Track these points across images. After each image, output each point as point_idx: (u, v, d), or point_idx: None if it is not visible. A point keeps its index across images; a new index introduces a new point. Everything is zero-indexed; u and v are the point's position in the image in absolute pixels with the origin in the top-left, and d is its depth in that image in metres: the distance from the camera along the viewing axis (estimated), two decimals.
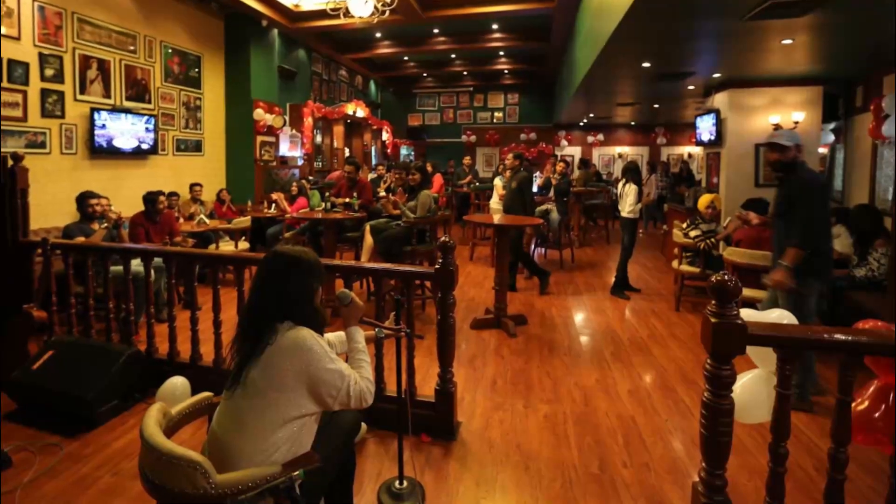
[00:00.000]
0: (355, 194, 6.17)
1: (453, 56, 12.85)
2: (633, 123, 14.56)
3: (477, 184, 11.23)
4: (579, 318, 5.32)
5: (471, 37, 10.53)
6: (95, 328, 3.82)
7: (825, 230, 3.34)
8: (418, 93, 15.83)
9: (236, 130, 8.43)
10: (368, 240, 5.43)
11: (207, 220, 6.44)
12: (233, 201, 7.54)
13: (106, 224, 4.75)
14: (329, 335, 2.10)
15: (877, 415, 1.90)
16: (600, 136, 14.98)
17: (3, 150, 4.35)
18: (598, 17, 5.83)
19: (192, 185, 7.16)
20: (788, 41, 5.03)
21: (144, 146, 6.68)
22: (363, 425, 2.80)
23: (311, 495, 1.74)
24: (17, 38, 5.20)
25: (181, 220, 6.41)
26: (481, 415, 3.24)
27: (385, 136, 13.45)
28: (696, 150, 12.98)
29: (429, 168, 7.83)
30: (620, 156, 14.97)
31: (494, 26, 10.11)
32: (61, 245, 3.87)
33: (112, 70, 6.32)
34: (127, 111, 6.42)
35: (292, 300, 1.78)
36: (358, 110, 11.25)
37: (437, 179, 9.48)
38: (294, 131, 9.42)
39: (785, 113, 7.11)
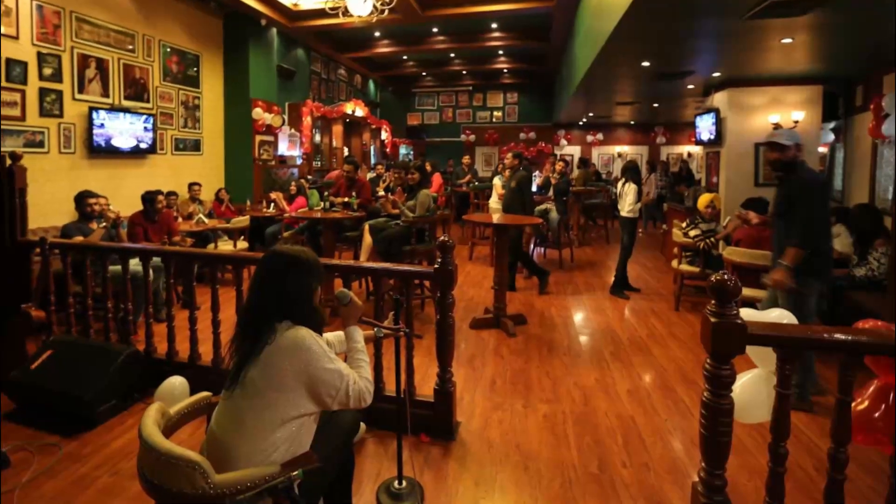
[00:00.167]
0: (354, 194, 6.16)
1: (452, 55, 12.85)
2: (632, 123, 14.56)
3: (476, 183, 11.23)
4: (579, 317, 5.32)
5: (470, 36, 10.53)
6: (94, 328, 3.81)
7: (825, 230, 3.33)
8: (417, 92, 15.83)
9: (235, 130, 8.42)
10: (367, 239, 5.42)
11: (206, 220, 6.43)
12: (231, 200, 7.53)
13: (104, 223, 4.74)
14: (328, 335, 2.10)
15: (877, 415, 1.89)
16: (600, 136, 14.97)
17: (1, 149, 4.34)
18: (597, 16, 5.83)
19: (190, 185, 7.15)
20: (788, 40, 5.03)
21: (143, 145, 6.67)
22: (362, 425, 2.80)
23: (310, 495, 1.74)
24: (16, 38, 5.19)
25: (180, 219, 6.41)
26: (480, 415, 3.23)
27: (384, 135, 13.44)
28: (696, 150, 12.97)
29: (428, 167, 7.83)
30: (620, 155, 14.97)
31: (494, 25, 10.10)
32: (60, 244, 3.86)
33: (110, 69, 6.31)
34: (125, 110, 6.41)
35: (291, 300, 1.78)
36: (357, 109, 11.24)
37: (437, 179, 9.47)
38: (293, 130, 9.41)
39: (785, 112, 7.11)
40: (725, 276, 1.73)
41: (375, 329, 2.24)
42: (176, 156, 7.43)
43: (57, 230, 5.00)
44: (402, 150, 14.61)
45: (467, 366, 3.97)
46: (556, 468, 2.67)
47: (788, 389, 1.77)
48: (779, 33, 4.82)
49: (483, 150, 15.56)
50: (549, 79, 13.87)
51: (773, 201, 3.53)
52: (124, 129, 6.37)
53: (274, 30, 8.91)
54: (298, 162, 9.59)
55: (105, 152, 6.19)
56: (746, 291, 4.02)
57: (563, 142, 15.12)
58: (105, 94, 6.24)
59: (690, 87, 7.90)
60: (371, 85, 14.45)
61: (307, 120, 9.43)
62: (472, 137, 15.41)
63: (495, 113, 15.53)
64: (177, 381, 3.16)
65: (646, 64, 6.34)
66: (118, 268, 3.74)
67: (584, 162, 12.89)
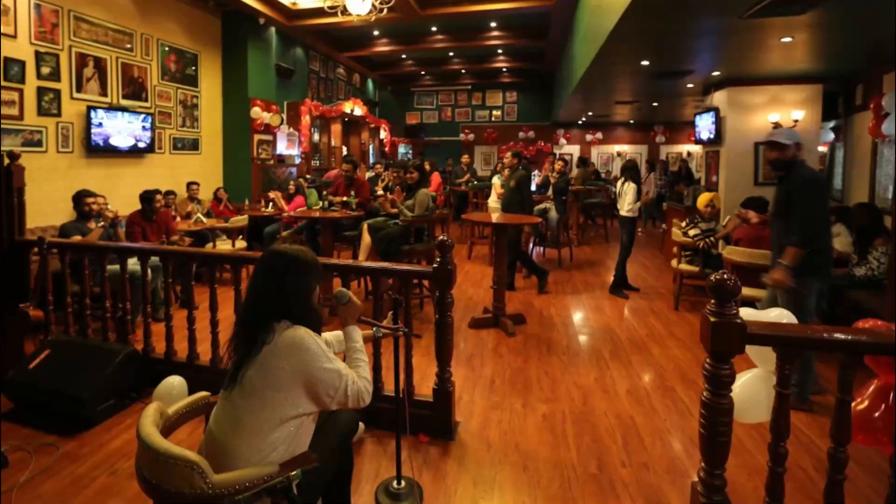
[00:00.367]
0: (353, 193, 6.15)
1: (451, 54, 12.83)
2: (631, 122, 14.55)
3: (475, 182, 11.22)
4: (578, 317, 5.31)
5: (469, 35, 10.51)
6: (92, 327, 3.81)
7: (825, 229, 3.33)
8: (416, 91, 15.80)
9: (233, 129, 8.41)
10: (366, 238, 5.41)
11: (204, 219, 6.43)
12: (230, 200, 7.53)
13: (102, 223, 4.73)
14: (327, 334, 2.09)
15: (877, 414, 1.89)
16: (599, 135, 14.96)
17: None
18: (596, 14, 5.82)
19: (189, 184, 7.14)
20: (788, 39, 5.03)
21: (141, 144, 6.66)
22: (361, 425, 2.79)
23: (309, 495, 1.73)
24: (14, 37, 5.18)
25: (178, 218, 6.40)
26: (479, 414, 3.23)
27: (383, 134, 13.43)
28: (696, 149, 12.96)
29: (427, 166, 7.81)
30: (619, 154, 14.96)
31: (492, 24, 10.08)
32: (58, 244, 3.86)
33: (108, 68, 6.29)
34: (123, 109, 6.40)
35: (290, 299, 1.78)
36: (356, 108, 11.22)
37: (435, 178, 9.46)
38: (291, 130, 9.39)
39: (784, 111, 7.10)
40: (725, 276, 1.73)
41: (374, 328, 2.24)
42: (174, 155, 7.42)
43: (55, 229, 4.99)
44: (401, 150, 14.61)
45: (466, 365, 3.96)
46: (555, 468, 2.66)
47: (788, 389, 1.77)
48: (778, 32, 4.81)
49: (482, 149, 15.56)
50: (549, 78, 13.86)
51: (773, 200, 3.53)
52: (122, 129, 6.36)
53: (272, 28, 8.89)
54: (297, 161, 9.58)
55: (103, 151, 6.18)
56: (746, 291, 4.03)
57: (563, 141, 15.11)
58: (103, 93, 6.23)
59: (690, 85, 7.90)
60: (370, 84, 14.43)
61: (306, 119, 9.42)
62: (471, 136, 15.40)
63: (494, 112, 15.52)
64: (175, 381, 3.16)
65: (645, 63, 6.33)
66: (116, 267, 3.73)
67: (584, 161, 12.88)
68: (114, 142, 6.26)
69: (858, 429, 1.86)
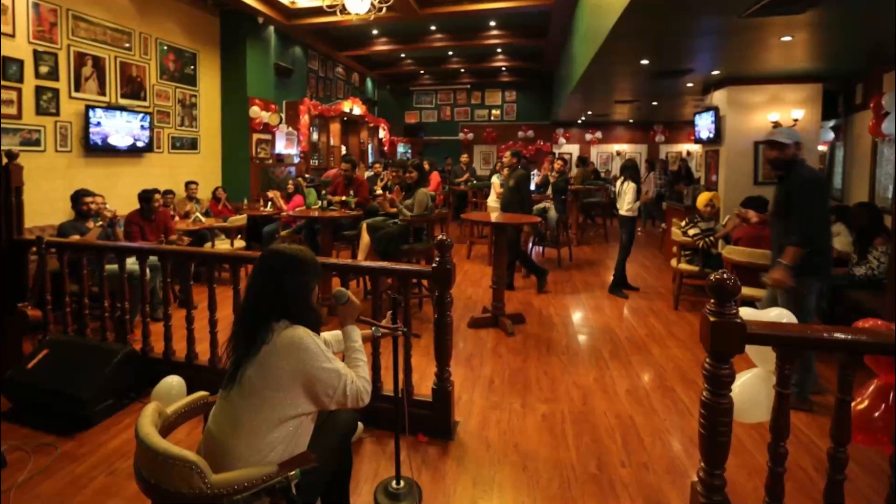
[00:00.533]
0: (352, 192, 6.15)
1: (450, 53, 12.82)
2: (631, 121, 14.55)
3: (474, 182, 11.20)
4: (577, 316, 5.31)
5: (468, 34, 10.50)
6: (90, 327, 3.80)
7: (825, 228, 3.33)
8: (415, 90, 15.79)
9: (232, 128, 8.40)
10: (365, 238, 5.41)
11: (203, 219, 6.42)
12: (229, 199, 7.51)
13: (101, 222, 4.72)
14: (325, 334, 2.09)
15: (877, 414, 1.89)
16: (598, 134, 14.96)
17: None
18: (596, 13, 5.81)
19: (187, 183, 7.13)
20: (788, 38, 5.02)
21: (140, 144, 6.65)
22: (360, 425, 2.79)
23: (308, 495, 1.73)
24: (12, 36, 5.17)
25: (177, 218, 6.39)
26: (479, 414, 3.22)
27: (382, 133, 13.42)
28: (695, 148, 12.96)
29: (426, 166, 7.80)
30: (619, 153, 14.96)
31: (492, 23, 10.07)
32: (56, 243, 3.85)
33: (107, 67, 6.28)
34: (122, 109, 6.39)
35: (289, 299, 1.77)
36: (354, 108, 11.21)
37: (435, 177, 9.46)
38: (290, 129, 9.38)
39: (784, 110, 7.10)
40: (725, 275, 1.73)
41: (373, 328, 2.23)
42: (173, 154, 7.41)
43: (53, 229, 4.98)
44: (400, 149, 14.60)
45: (465, 365, 3.96)
46: (554, 468, 2.66)
47: (788, 389, 1.77)
48: (778, 31, 4.81)
49: (481, 148, 15.55)
50: (548, 77, 13.85)
51: (773, 200, 3.52)
52: (121, 128, 6.35)
53: (271, 28, 8.88)
54: (296, 160, 9.57)
55: (101, 151, 6.17)
56: (746, 290, 4.03)
57: (562, 140, 15.11)
58: (101, 92, 6.22)
59: (689, 85, 7.89)
60: (369, 83, 14.42)
61: (304, 118, 9.41)
62: (471, 136, 15.40)
63: (493, 111, 15.51)
64: (174, 381, 3.16)
65: (644, 62, 6.33)
66: (115, 267, 3.72)
67: (583, 160, 12.87)
68: (112, 141, 6.24)
69: (858, 429, 1.86)
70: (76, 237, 4.43)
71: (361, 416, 2.31)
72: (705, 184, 8.26)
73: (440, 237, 2.84)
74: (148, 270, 3.65)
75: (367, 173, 9.68)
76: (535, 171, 9.29)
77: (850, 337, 1.72)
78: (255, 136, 8.47)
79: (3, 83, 5.04)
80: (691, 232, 5.47)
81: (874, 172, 6.21)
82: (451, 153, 14.24)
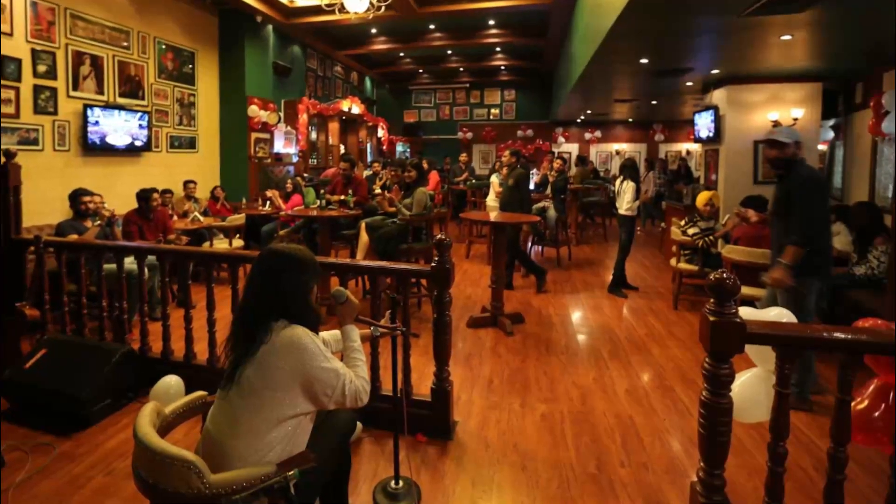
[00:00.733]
0: (351, 191, 6.14)
1: (449, 52, 12.80)
2: (630, 120, 14.54)
3: (473, 181, 11.19)
4: (576, 316, 5.30)
5: (467, 33, 10.48)
6: (89, 326, 3.78)
7: (824, 228, 3.32)
8: (414, 89, 15.78)
9: (231, 127, 8.38)
10: (364, 237, 5.40)
11: (201, 218, 6.41)
12: (227, 199, 7.50)
13: (99, 222, 4.71)
14: (324, 333, 2.09)
15: (877, 414, 1.89)
16: (598, 133, 14.96)
17: None
18: (595, 12, 5.80)
19: (185, 183, 7.12)
20: (787, 37, 5.01)
21: (138, 143, 6.64)
22: (359, 425, 2.78)
23: (306, 495, 1.72)
24: (10, 34, 5.16)
25: (175, 217, 6.37)
26: (478, 414, 3.22)
27: (381, 132, 13.41)
28: (695, 147, 12.96)
29: (425, 165, 7.79)
30: (618, 153, 14.96)
31: (491, 22, 10.06)
32: (54, 243, 3.84)
33: (105, 66, 6.27)
34: (120, 108, 6.38)
35: (287, 298, 1.77)
36: (353, 107, 11.20)
37: (433, 176, 9.45)
38: (289, 128, 9.37)
39: (784, 109, 7.09)
40: (724, 275, 1.72)
41: (372, 328, 2.22)
42: (171, 153, 7.40)
43: (51, 228, 4.97)
44: (399, 148, 14.59)
45: (464, 365, 3.95)
46: (553, 468, 2.65)
47: (787, 389, 1.76)
48: (778, 30, 4.80)
49: (480, 147, 15.54)
50: (547, 76, 13.84)
51: (773, 199, 3.52)
52: (119, 127, 6.34)
53: (270, 26, 8.86)
54: (294, 160, 9.55)
55: (100, 150, 6.15)
56: (745, 290, 4.02)
57: (561, 139, 15.10)
58: (100, 91, 6.21)
59: (689, 84, 7.89)
60: (367, 82, 14.40)
61: (303, 117, 9.40)
62: (470, 135, 15.39)
63: (492, 110, 15.50)
64: (172, 381, 3.15)
65: (644, 61, 6.32)
66: (113, 266, 3.72)
67: (582, 160, 12.86)
68: (110, 140, 6.23)
69: (858, 428, 1.85)
70: (74, 236, 4.42)
71: (360, 415, 2.30)
72: (705, 183, 8.25)
73: (439, 236, 2.84)
74: (146, 270, 3.65)
75: (366, 172, 9.67)
76: (535, 171, 9.29)
77: (849, 337, 1.72)
78: (254, 136, 8.46)
79: (1, 82, 5.03)
80: (691, 231, 5.47)
81: (874, 172, 6.21)
82: (450, 152, 14.23)
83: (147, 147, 6.80)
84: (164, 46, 7.17)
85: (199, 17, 7.85)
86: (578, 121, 14.76)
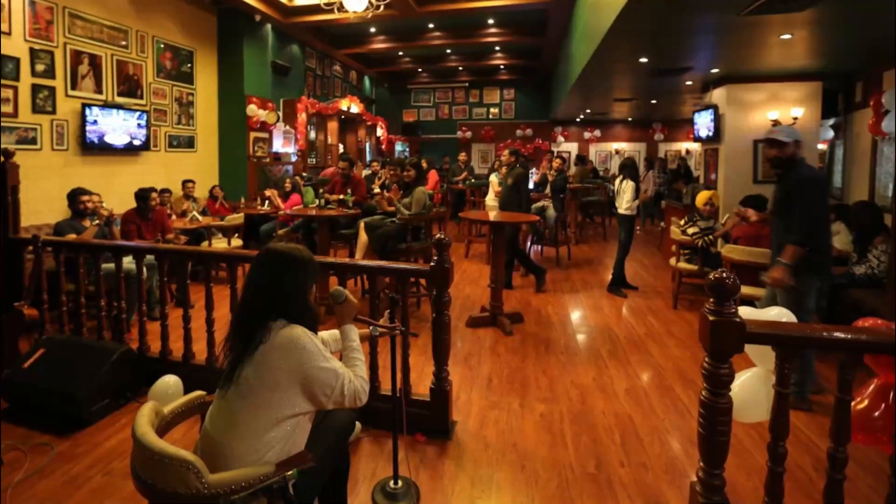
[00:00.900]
0: (349, 191, 6.13)
1: (448, 51, 12.78)
2: (630, 119, 14.53)
3: (472, 180, 11.19)
4: (576, 315, 5.30)
5: (466, 32, 10.46)
6: (87, 326, 3.78)
7: (824, 227, 3.32)
8: (413, 88, 15.75)
9: (229, 126, 8.37)
10: (363, 237, 5.39)
11: (200, 217, 6.40)
12: (226, 198, 7.49)
13: (97, 221, 4.71)
14: (323, 333, 2.09)
15: (877, 414, 1.89)
16: (597, 132, 14.95)
17: None
18: (594, 11, 5.80)
19: (184, 182, 7.10)
20: (787, 36, 5.01)
21: (136, 142, 6.63)
22: (357, 424, 2.78)
23: (305, 495, 1.72)
24: (8, 34, 5.15)
25: (173, 216, 6.36)
26: (477, 414, 3.21)
27: (379, 132, 13.39)
28: (694, 147, 12.96)
29: (424, 164, 7.79)
30: (617, 152, 14.95)
31: (490, 21, 10.05)
32: (52, 242, 3.83)
33: (104, 65, 6.26)
34: (119, 107, 6.37)
35: (286, 298, 1.77)
36: (352, 106, 11.19)
37: (432, 176, 9.44)
38: (287, 127, 9.35)
39: (784, 109, 7.09)
40: (724, 274, 1.72)
41: (371, 327, 2.21)
42: (169, 153, 7.39)
43: (50, 227, 4.97)
44: (398, 147, 14.57)
45: (463, 364, 3.95)
46: (552, 468, 2.65)
47: (787, 388, 1.76)
48: (778, 29, 4.79)
49: (479, 146, 15.52)
50: (546, 75, 13.83)
51: (772, 199, 3.51)
52: (117, 126, 6.32)
53: (268, 25, 8.85)
54: (293, 159, 9.54)
55: (98, 149, 6.14)
56: (745, 289, 4.00)
57: (560, 138, 15.09)
58: (98, 90, 6.19)
59: (689, 83, 7.88)
60: (366, 81, 14.39)
61: (302, 116, 9.38)
62: (469, 134, 15.37)
63: (492, 109, 15.48)
64: (170, 380, 3.14)
65: (643, 60, 6.31)
66: (111, 266, 3.71)
67: (582, 159, 12.85)
68: (109, 139, 6.22)
69: (858, 428, 1.85)
70: (72, 236, 4.41)
71: (359, 415, 2.30)
72: (704, 182, 8.24)
73: (438, 236, 2.83)
74: (145, 269, 3.64)
75: (365, 172, 9.66)
76: (534, 170, 9.28)
77: (849, 336, 1.71)
78: (253, 135, 8.44)
79: None
80: (690, 231, 5.46)
81: (874, 171, 6.20)
82: (449, 151, 14.21)
83: (145, 146, 6.79)
84: (162, 45, 7.16)
85: (197, 16, 7.84)
86: (578, 120, 14.75)
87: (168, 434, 1.79)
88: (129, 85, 6.65)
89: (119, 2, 6.46)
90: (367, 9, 6.36)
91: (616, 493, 2.45)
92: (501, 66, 13.84)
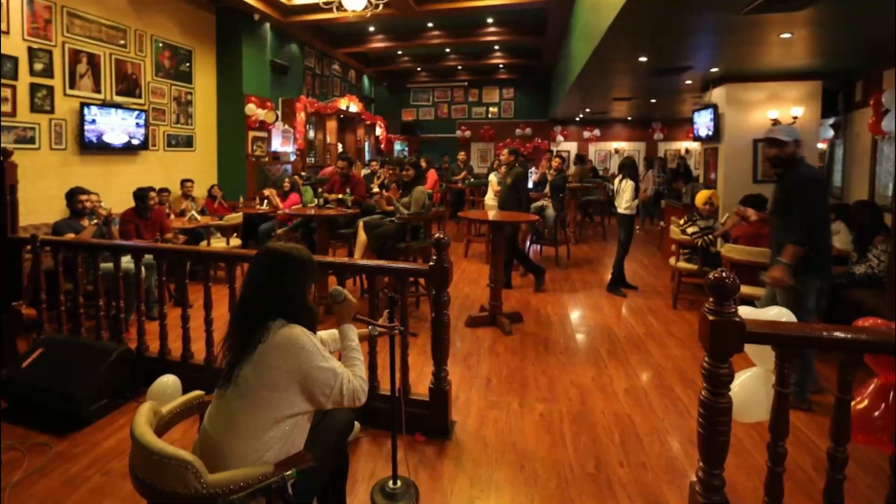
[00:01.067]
0: (348, 190, 6.12)
1: (447, 50, 12.78)
2: (629, 119, 14.53)
3: (472, 180, 11.19)
4: (575, 315, 5.30)
5: (465, 31, 10.46)
6: (85, 326, 3.78)
7: (824, 227, 3.32)
8: (412, 87, 15.74)
9: (228, 126, 8.36)
10: (362, 236, 5.39)
11: (199, 217, 6.39)
12: (224, 197, 7.48)
13: (96, 220, 4.70)
14: (322, 333, 2.08)
15: (876, 413, 1.88)
16: (596, 132, 14.95)
17: None
18: (594, 10, 5.79)
19: (183, 181, 7.09)
20: (787, 35, 5.00)
21: (135, 141, 6.61)
22: (356, 424, 2.77)
23: (304, 495, 1.72)
24: (7, 33, 5.13)
25: (172, 216, 6.35)
26: (476, 413, 3.21)
27: (378, 131, 13.38)
28: (694, 146, 12.96)
29: (423, 164, 7.79)
30: (617, 151, 14.95)
31: (489, 20, 10.05)
32: (51, 242, 3.83)
33: (102, 64, 6.25)
34: (117, 106, 6.35)
35: (285, 297, 1.77)
36: (351, 105, 11.18)
37: (431, 175, 9.44)
38: (286, 126, 9.35)
39: (783, 108, 7.08)
40: (723, 274, 1.71)
41: (370, 327, 2.21)
42: (168, 152, 7.37)
43: (48, 227, 4.96)
44: (397, 147, 14.55)
45: (463, 364, 3.94)
46: (552, 467, 2.65)
47: (787, 388, 1.76)
48: (777, 28, 4.79)
49: (478, 146, 15.52)
50: (546, 74, 13.82)
51: (772, 198, 3.51)
52: (116, 125, 6.31)
53: (267, 25, 8.84)
54: (292, 158, 9.53)
55: (97, 148, 6.13)
56: (745, 289, 3.99)
57: (560, 138, 15.09)
58: (97, 89, 6.18)
59: (688, 82, 7.88)
60: (365, 80, 14.37)
61: (301, 116, 9.37)
62: (468, 133, 15.36)
63: (491, 109, 15.47)
64: (169, 380, 3.14)
65: (643, 59, 6.31)
66: (110, 265, 3.70)
67: (581, 158, 12.85)
68: (107, 139, 6.21)
69: (858, 428, 1.85)
70: (71, 235, 4.40)
71: (358, 415, 2.30)
72: (704, 182, 8.24)
73: (437, 235, 2.83)
74: (143, 269, 3.64)
75: (364, 171, 9.66)
76: (533, 169, 9.27)
77: (849, 336, 1.71)
78: (251, 134, 8.43)
79: None
80: (690, 230, 5.46)
81: (874, 170, 6.20)
82: (448, 151, 14.20)
83: (144, 145, 6.77)
84: (161, 45, 7.14)
85: (196, 16, 7.83)
86: (577, 119, 14.75)
87: (167, 434, 1.79)
88: (128, 84, 6.64)
89: (118, 1, 6.45)
90: (366, 8, 6.35)
91: (616, 493, 2.45)
92: (501, 66, 13.84)
